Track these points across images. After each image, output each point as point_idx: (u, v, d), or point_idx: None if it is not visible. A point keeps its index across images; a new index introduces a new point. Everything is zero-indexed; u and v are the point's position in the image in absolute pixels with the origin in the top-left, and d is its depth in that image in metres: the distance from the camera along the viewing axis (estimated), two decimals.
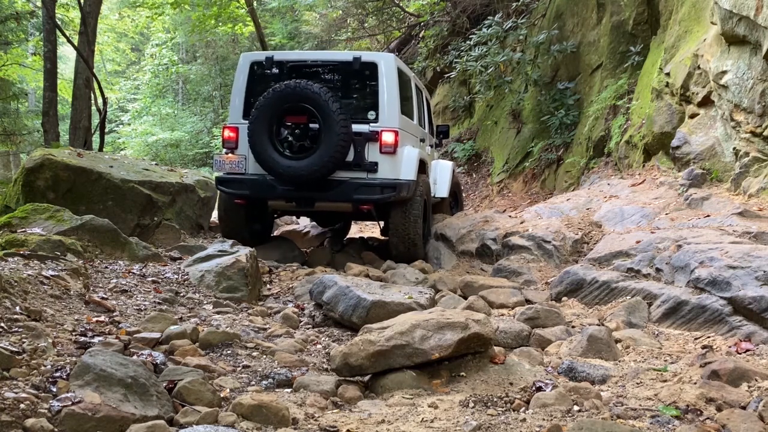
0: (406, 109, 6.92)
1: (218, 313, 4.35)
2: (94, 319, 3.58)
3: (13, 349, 2.73)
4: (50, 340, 3.00)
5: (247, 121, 6.40)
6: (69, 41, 13.35)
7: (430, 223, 7.53)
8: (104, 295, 4.12)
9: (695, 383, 3.05)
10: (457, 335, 3.23)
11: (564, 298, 5.08)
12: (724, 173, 6.18)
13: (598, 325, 4.17)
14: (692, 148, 6.57)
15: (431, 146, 8.69)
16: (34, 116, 19.52)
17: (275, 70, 6.72)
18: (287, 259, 6.57)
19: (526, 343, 4.03)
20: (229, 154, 6.65)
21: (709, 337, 3.93)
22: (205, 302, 4.57)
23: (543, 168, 10.97)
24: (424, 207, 6.89)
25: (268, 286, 5.53)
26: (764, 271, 3.99)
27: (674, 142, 6.83)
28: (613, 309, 4.54)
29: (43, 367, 2.70)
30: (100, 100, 12.92)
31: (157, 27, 28.59)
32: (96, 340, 3.22)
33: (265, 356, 3.55)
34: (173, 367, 3.02)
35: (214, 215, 8.42)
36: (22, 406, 2.34)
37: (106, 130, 17.11)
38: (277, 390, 3.11)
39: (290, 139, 6.33)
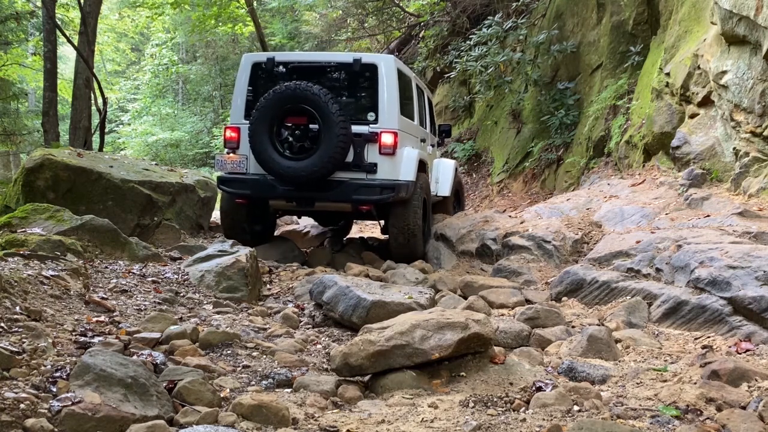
0: (405, 110, 6.95)
1: (218, 313, 4.35)
2: (94, 319, 3.58)
3: (13, 349, 2.73)
4: (50, 340, 3.00)
5: (248, 122, 6.44)
6: (69, 41, 13.35)
7: (430, 222, 7.56)
8: (104, 295, 4.12)
9: (695, 383, 3.05)
10: (457, 335, 3.23)
11: (564, 298, 5.08)
12: (724, 173, 6.18)
13: (598, 325, 4.17)
14: (692, 148, 6.57)
15: (433, 145, 8.72)
16: (34, 116, 19.52)
17: (276, 71, 6.76)
18: (287, 259, 6.58)
19: (526, 343, 4.03)
20: (231, 154, 6.69)
21: (709, 337, 3.93)
22: (205, 302, 4.57)
23: (543, 168, 10.98)
24: (423, 206, 6.93)
25: (268, 286, 5.53)
26: (764, 271, 3.99)
27: (674, 142, 6.83)
28: (613, 309, 4.54)
29: (43, 367, 2.70)
30: (100, 100, 12.93)
31: (157, 27, 28.59)
32: (96, 340, 3.22)
33: (265, 356, 3.55)
34: (173, 367, 3.02)
35: (214, 215, 8.43)
36: (22, 406, 2.34)
37: (106, 130, 17.11)
38: (277, 390, 3.11)
39: (290, 139, 6.37)
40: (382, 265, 6.34)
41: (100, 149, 12.67)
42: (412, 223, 6.59)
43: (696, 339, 3.96)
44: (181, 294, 4.62)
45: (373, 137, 6.38)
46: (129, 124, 32.97)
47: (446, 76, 14.08)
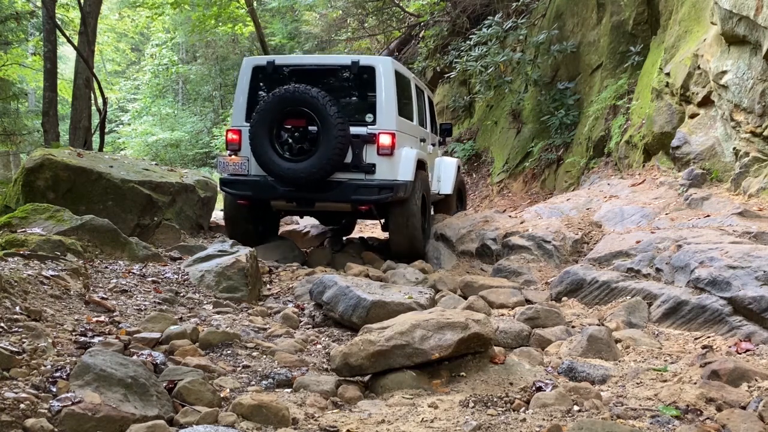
0: (404, 111, 7.02)
1: (218, 313, 4.35)
2: (94, 319, 3.58)
3: (13, 349, 2.73)
4: (50, 340, 3.00)
5: (249, 124, 6.54)
6: (69, 41, 13.35)
7: (430, 220, 7.63)
8: (104, 295, 4.12)
9: (695, 383, 3.05)
10: (457, 335, 3.23)
11: (564, 298, 5.08)
12: (724, 173, 6.18)
13: (598, 325, 4.17)
14: (692, 148, 6.57)
15: (434, 144, 8.78)
16: (34, 116, 19.52)
17: (276, 74, 6.86)
18: (287, 259, 6.60)
19: (526, 343, 4.03)
20: (233, 156, 6.80)
21: (709, 337, 3.93)
22: (205, 302, 4.57)
23: (543, 168, 10.98)
24: (423, 205, 7.01)
25: (268, 286, 5.53)
26: (764, 271, 3.99)
27: (674, 142, 6.83)
28: (613, 309, 4.54)
29: (43, 367, 2.70)
30: (100, 100, 12.93)
31: (157, 27, 28.60)
32: (96, 340, 3.22)
33: (265, 356, 3.55)
34: (173, 367, 3.02)
35: (214, 215, 8.43)
36: (22, 406, 2.33)
37: (106, 130, 17.11)
38: (277, 390, 3.11)
39: (290, 141, 6.47)
40: (382, 265, 6.35)
41: (100, 149, 12.67)
42: (412, 221, 6.67)
43: (696, 339, 3.96)
44: (181, 294, 4.61)
45: (372, 138, 6.45)
46: (129, 124, 32.98)
47: (446, 76, 14.08)
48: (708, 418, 2.71)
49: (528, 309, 4.46)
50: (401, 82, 7.05)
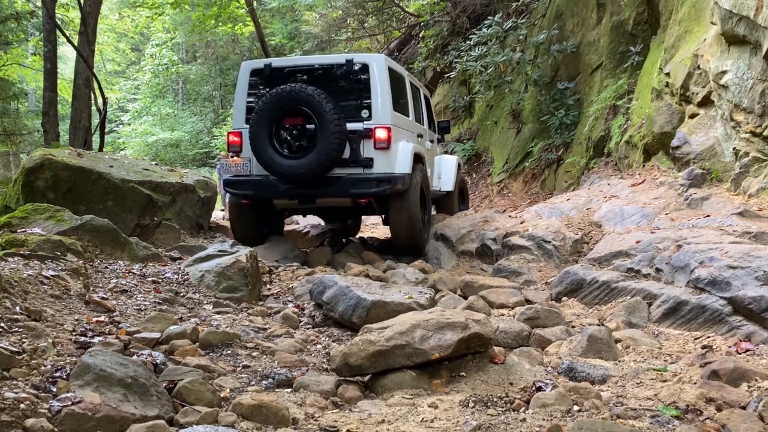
0: (399, 107, 7.19)
1: (218, 313, 4.35)
2: (94, 319, 3.58)
3: (13, 349, 2.73)
4: (50, 340, 3.00)
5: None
6: (69, 41, 13.35)
7: (431, 215, 7.79)
8: (104, 295, 4.12)
9: (695, 383, 3.05)
10: (457, 335, 3.23)
11: (564, 298, 5.08)
12: (724, 173, 6.18)
13: (598, 325, 4.17)
14: (692, 148, 6.57)
15: (432, 141, 8.90)
16: (34, 116, 19.53)
17: (274, 76, 7.00)
18: (287, 259, 6.62)
19: (526, 343, 4.03)
20: (235, 158, 6.97)
21: (709, 337, 3.93)
22: (205, 302, 4.57)
23: (543, 168, 10.98)
24: (422, 198, 7.19)
25: (268, 286, 5.53)
26: (764, 271, 3.99)
27: (674, 142, 6.83)
28: (613, 309, 4.54)
29: (43, 367, 2.70)
30: (100, 100, 12.93)
31: (157, 27, 28.61)
32: (96, 340, 3.22)
33: (265, 356, 3.55)
34: (173, 367, 3.02)
35: (214, 215, 8.44)
36: (22, 406, 2.33)
37: (106, 130, 17.11)
38: (277, 390, 3.11)
39: (289, 139, 6.64)
40: (382, 265, 6.35)
41: (100, 149, 12.67)
42: (411, 213, 6.83)
43: (696, 339, 3.96)
44: (181, 294, 4.61)
45: (368, 133, 6.62)
46: (129, 124, 33.00)
47: (446, 76, 14.08)
48: (708, 418, 2.71)
49: (528, 309, 4.46)
50: (395, 79, 7.21)
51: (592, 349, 3.71)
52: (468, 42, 11.92)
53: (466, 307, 4.51)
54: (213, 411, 2.61)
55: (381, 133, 6.60)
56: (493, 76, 11.12)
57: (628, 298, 4.66)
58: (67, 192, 6.45)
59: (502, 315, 4.68)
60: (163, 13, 20.99)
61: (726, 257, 4.25)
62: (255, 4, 17.46)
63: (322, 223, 9.15)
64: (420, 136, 7.99)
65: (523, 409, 2.83)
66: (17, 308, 3.22)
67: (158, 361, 3.07)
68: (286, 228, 8.99)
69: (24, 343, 2.86)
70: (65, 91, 19.91)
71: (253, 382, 3.16)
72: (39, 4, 14.98)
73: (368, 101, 6.73)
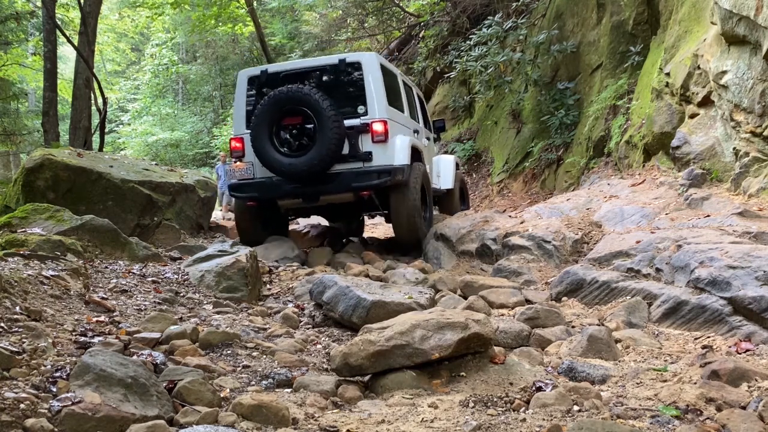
0: (393, 102, 7.35)
1: (218, 313, 4.35)
2: (94, 319, 3.58)
3: (13, 349, 2.72)
4: (50, 340, 3.00)
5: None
6: (69, 41, 13.36)
7: (431, 211, 7.93)
8: (104, 295, 4.12)
9: (695, 383, 3.05)
10: (457, 335, 3.23)
11: (564, 298, 5.08)
12: (724, 173, 6.18)
13: (598, 325, 4.17)
14: (692, 148, 6.57)
15: (428, 139, 9.04)
16: (34, 116, 19.53)
17: (271, 81, 7.15)
18: (287, 259, 6.62)
19: (526, 343, 4.03)
20: (238, 163, 7.13)
21: (709, 337, 3.93)
22: (205, 302, 4.57)
23: (543, 168, 10.98)
24: (421, 191, 7.34)
25: (268, 286, 5.53)
26: (764, 271, 3.98)
27: (674, 142, 6.83)
28: (613, 309, 4.54)
29: (43, 367, 2.70)
30: (100, 100, 12.93)
31: (157, 27, 28.61)
32: (96, 340, 3.21)
33: (265, 356, 3.55)
34: (173, 367, 3.02)
35: (214, 215, 8.44)
36: (22, 406, 2.33)
37: (106, 130, 17.11)
38: (277, 390, 3.11)
39: (289, 139, 6.80)
40: (382, 265, 6.35)
41: (100, 149, 12.67)
42: (412, 205, 6.98)
43: (696, 339, 3.96)
44: (181, 294, 4.61)
45: (365, 128, 6.79)
46: (129, 124, 33.00)
47: (446, 76, 14.08)
48: (708, 418, 2.71)
49: (528, 309, 4.45)
50: (388, 76, 7.37)
51: (592, 349, 3.71)
52: (468, 42, 11.92)
53: (466, 307, 4.51)
54: (213, 411, 2.61)
55: (378, 127, 6.76)
56: (493, 76, 11.12)
57: (628, 298, 4.65)
58: (67, 192, 6.46)
59: (502, 315, 4.68)
60: (163, 13, 21.00)
61: (726, 257, 4.25)
62: (255, 4, 17.46)
63: (325, 223, 9.16)
64: (416, 131, 8.14)
65: (523, 409, 2.82)
66: (17, 308, 3.22)
67: (158, 361, 3.07)
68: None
69: (24, 343, 2.86)
70: (65, 91, 19.91)
71: (253, 382, 3.16)
72: (39, 4, 14.98)
73: (363, 97, 6.90)
